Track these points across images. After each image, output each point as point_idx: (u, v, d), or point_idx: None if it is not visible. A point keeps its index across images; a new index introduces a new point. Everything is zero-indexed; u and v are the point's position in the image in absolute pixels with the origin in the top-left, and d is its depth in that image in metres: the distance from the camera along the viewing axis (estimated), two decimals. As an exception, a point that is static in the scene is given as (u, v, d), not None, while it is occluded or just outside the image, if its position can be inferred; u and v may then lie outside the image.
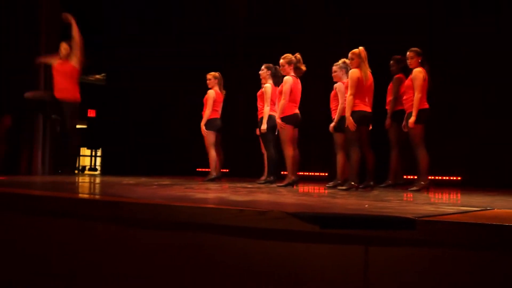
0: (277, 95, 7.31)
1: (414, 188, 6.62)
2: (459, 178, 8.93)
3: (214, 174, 8.20)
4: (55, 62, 8.56)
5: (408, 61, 6.98)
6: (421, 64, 6.88)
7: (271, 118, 7.43)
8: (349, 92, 6.55)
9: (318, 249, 3.24)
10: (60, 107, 8.34)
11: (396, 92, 7.38)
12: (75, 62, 8.55)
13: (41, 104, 8.16)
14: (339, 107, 7.02)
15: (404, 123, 6.98)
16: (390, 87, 7.59)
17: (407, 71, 7.23)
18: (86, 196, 5.33)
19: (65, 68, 8.50)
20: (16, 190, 5.62)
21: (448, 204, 4.66)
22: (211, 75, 8.43)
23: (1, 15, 10.04)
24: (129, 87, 12.53)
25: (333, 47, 9.63)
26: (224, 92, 8.43)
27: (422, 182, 6.65)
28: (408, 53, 6.99)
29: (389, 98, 7.55)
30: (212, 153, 8.22)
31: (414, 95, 6.71)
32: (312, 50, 9.19)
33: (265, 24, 11.06)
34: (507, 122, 8.60)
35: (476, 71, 8.73)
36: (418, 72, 6.79)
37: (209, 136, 8.23)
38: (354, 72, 6.62)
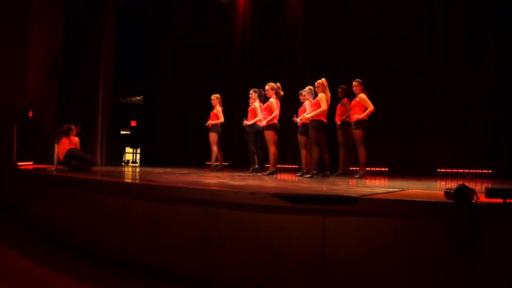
0: (263, 110, 7.34)
1: (357, 176, 6.62)
2: (386, 169, 8.97)
3: (214, 164, 8.16)
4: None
5: (354, 88, 6.97)
6: (362, 90, 6.88)
7: (254, 126, 7.43)
8: (322, 106, 6.58)
9: (291, 218, 3.26)
10: None
11: (347, 110, 7.37)
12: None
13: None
14: (302, 116, 6.99)
15: (351, 129, 7.02)
16: (338, 106, 7.57)
17: (349, 96, 7.26)
18: (129, 180, 5.31)
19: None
20: (82, 175, 5.60)
21: (379, 186, 4.68)
22: (214, 96, 8.38)
23: (76, 60, 10.11)
24: (159, 105, 12.51)
25: (301, 78, 9.68)
26: (223, 108, 8.39)
27: (362, 172, 6.65)
28: (353, 82, 6.98)
29: (338, 113, 7.51)
30: (214, 149, 8.18)
31: (360, 111, 6.72)
32: (287, 80, 9.19)
33: (257, 56, 11.07)
34: (417, 130, 8.66)
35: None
36: (364, 95, 6.78)
37: (213, 137, 8.19)
38: (323, 95, 6.65)
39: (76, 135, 7.70)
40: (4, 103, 9.62)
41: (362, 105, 6.75)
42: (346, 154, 7.43)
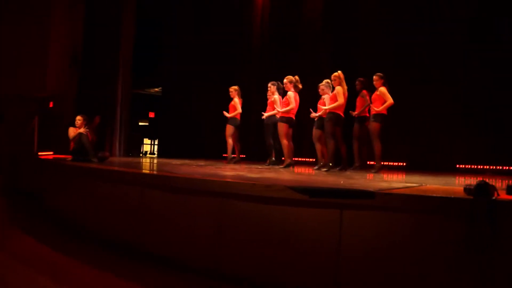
0: (281, 103, 7.32)
1: (374, 170, 6.56)
2: (404, 163, 8.87)
3: (231, 156, 8.19)
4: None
5: (374, 82, 6.85)
6: (383, 84, 6.78)
7: (273, 118, 7.43)
8: (339, 100, 6.53)
9: (308, 212, 3.25)
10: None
11: (365, 102, 7.29)
12: None
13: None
14: (322, 111, 6.94)
15: (368, 123, 6.96)
16: (358, 99, 7.49)
17: (368, 88, 7.17)
18: (147, 171, 5.36)
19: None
20: (102, 166, 5.67)
21: (396, 181, 4.64)
22: (233, 88, 8.35)
23: (96, 52, 10.21)
24: (177, 97, 12.55)
25: (318, 71, 9.61)
26: (241, 100, 8.38)
27: (378, 165, 6.58)
28: (374, 76, 6.86)
29: (358, 106, 7.44)
30: (229, 141, 8.18)
31: (379, 104, 6.66)
32: (305, 73, 9.11)
33: (275, 49, 10.99)
34: (436, 125, 8.53)
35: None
36: (385, 89, 6.70)
37: (229, 130, 8.19)
38: (340, 88, 6.60)
39: (95, 126, 7.73)
40: (26, 94, 9.79)
41: (382, 99, 6.68)
42: (362, 147, 7.36)
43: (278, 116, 7.29)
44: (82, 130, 7.12)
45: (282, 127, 7.11)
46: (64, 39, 10.19)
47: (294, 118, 7.20)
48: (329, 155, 6.65)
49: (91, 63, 10.27)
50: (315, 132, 7.05)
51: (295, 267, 3.26)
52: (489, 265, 2.61)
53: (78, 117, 7.39)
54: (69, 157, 7.33)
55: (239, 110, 8.18)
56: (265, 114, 7.58)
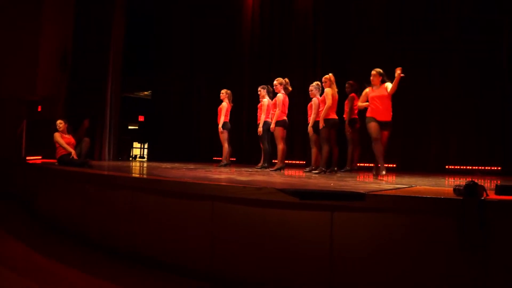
0: (271, 106, 7.32)
1: (383, 172, 5.74)
2: (394, 165, 8.90)
3: (225, 161, 8.14)
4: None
5: (372, 78, 6.36)
6: (381, 82, 6.49)
7: (266, 123, 7.40)
8: (327, 102, 6.53)
9: (298, 214, 3.25)
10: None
11: (351, 106, 7.30)
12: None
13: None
14: (313, 115, 6.94)
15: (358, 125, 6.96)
16: (346, 103, 7.50)
17: (357, 92, 7.17)
18: (137, 175, 5.32)
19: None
20: (90, 170, 5.63)
21: (387, 183, 4.65)
22: (224, 91, 8.29)
23: (85, 55, 10.16)
24: (167, 100, 12.51)
25: (309, 74, 9.63)
26: (232, 104, 8.34)
27: (382, 167, 5.80)
28: (372, 72, 6.11)
29: (346, 110, 7.45)
30: (226, 146, 8.15)
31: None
32: (295, 75, 9.12)
33: (266, 52, 10.96)
34: (426, 127, 8.58)
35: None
36: (387, 84, 6.27)
37: (224, 134, 8.14)
38: (329, 89, 6.60)
39: (85, 130, 7.67)
40: (15, 97, 9.71)
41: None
42: (354, 150, 7.38)
43: (269, 120, 7.27)
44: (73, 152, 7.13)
45: (277, 131, 7.12)
46: (54, 40, 10.14)
47: (286, 119, 7.21)
48: (322, 160, 6.63)
49: (81, 66, 10.21)
50: (311, 136, 7.02)
51: (288, 269, 3.25)
52: (480, 264, 2.63)
53: (59, 121, 7.37)
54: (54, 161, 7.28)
55: (224, 117, 8.10)
56: (260, 129, 7.49)
